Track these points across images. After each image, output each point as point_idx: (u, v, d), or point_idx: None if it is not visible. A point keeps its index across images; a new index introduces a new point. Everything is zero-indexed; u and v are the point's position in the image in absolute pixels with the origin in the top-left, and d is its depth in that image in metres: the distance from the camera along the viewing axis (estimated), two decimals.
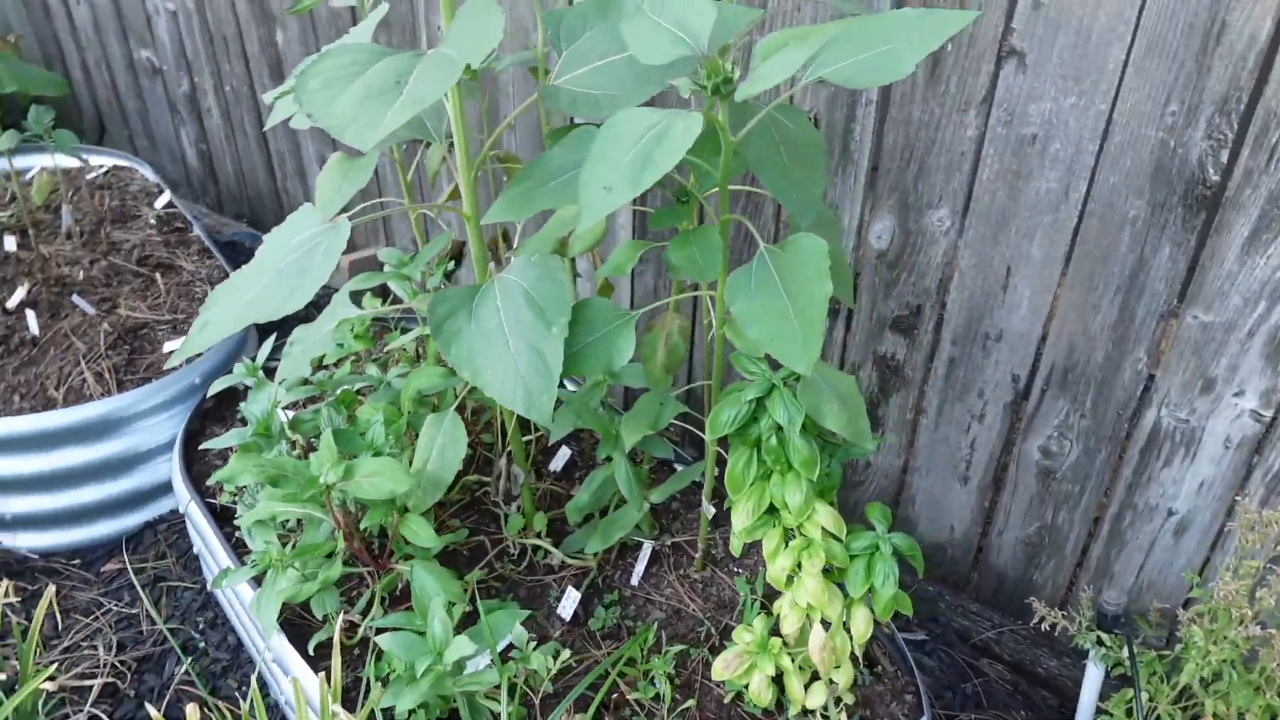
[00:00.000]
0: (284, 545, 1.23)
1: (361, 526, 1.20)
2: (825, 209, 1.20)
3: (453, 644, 1.02)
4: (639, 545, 1.48)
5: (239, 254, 2.68)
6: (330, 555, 1.18)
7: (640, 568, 1.45)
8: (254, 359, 1.50)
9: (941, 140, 1.48)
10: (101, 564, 1.76)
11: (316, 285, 1.03)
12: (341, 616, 1.24)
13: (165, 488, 1.85)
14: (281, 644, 1.25)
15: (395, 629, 1.10)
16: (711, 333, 1.14)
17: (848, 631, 1.12)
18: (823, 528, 1.07)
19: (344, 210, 1.22)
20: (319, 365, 1.65)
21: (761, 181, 0.96)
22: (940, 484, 1.72)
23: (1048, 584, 1.66)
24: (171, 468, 1.62)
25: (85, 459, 1.74)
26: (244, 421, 1.48)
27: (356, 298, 1.37)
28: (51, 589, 1.40)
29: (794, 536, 1.10)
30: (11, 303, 1.99)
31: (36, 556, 1.77)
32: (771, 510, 1.10)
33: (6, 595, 1.46)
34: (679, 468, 1.60)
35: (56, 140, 1.89)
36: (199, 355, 1.92)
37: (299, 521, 1.33)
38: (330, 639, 1.19)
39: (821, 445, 1.09)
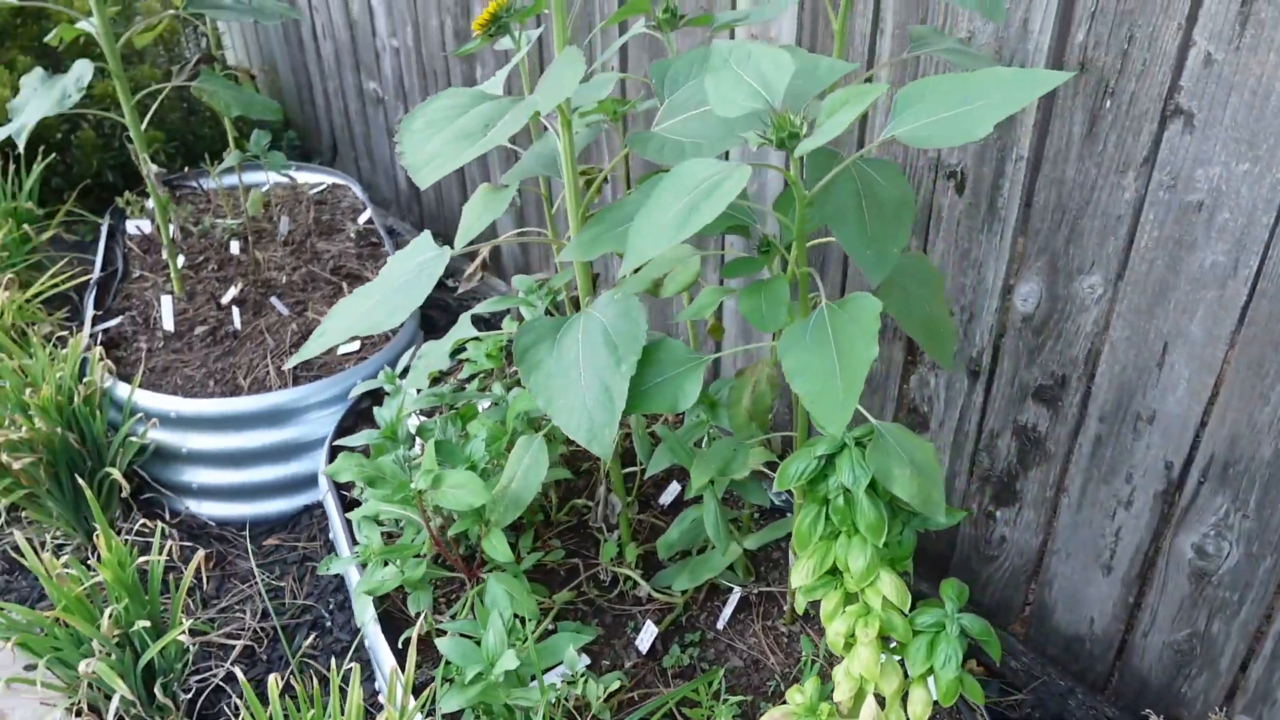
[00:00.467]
0: (388, 544, 1.33)
1: (450, 534, 1.28)
2: (929, 264, 1.15)
3: (504, 656, 1.07)
4: (729, 589, 1.47)
5: None
6: (419, 556, 1.27)
7: (727, 612, 1.44)
8: (395, 368, 1.64)
9: (1096, 202, 1.38)
10: (264, 538, 1.97)
11: (413, 306, 1.11)
12: (434, 616, 1.32)
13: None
14: (375, 633, 1.35)
15: (462, 635, 1.16)
16: None
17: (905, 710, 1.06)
18: (885, 597, 1.03)
19: (490, 237, 1.32)
20: (460, 383, 1.77)
21: (835, 236, 0.95)
22: (1080, 571, 1.58)
23: (1198, 700, 1.49)
24: (321, 458, 1.79)
25: (261, 442, 1.96)
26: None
27: (478, 321, 1.46)
28: (201, 553, 1.59)
29: (855, 601, 1.06)
30: (225, 299, 2.28)
31: (213, 524, 2.00)
32: (835, 571, 1.07)
33: (171, 557, 1.67)
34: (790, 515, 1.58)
35: (270, 160, 2.15)
36: (363, 358, 2.11)
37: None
38: (418, 634, 1.27)
39: (892, 511, 1.05)
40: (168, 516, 1.99)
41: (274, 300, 2.26)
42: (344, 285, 2.38)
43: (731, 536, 1.39)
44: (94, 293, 2.30)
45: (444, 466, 1.27)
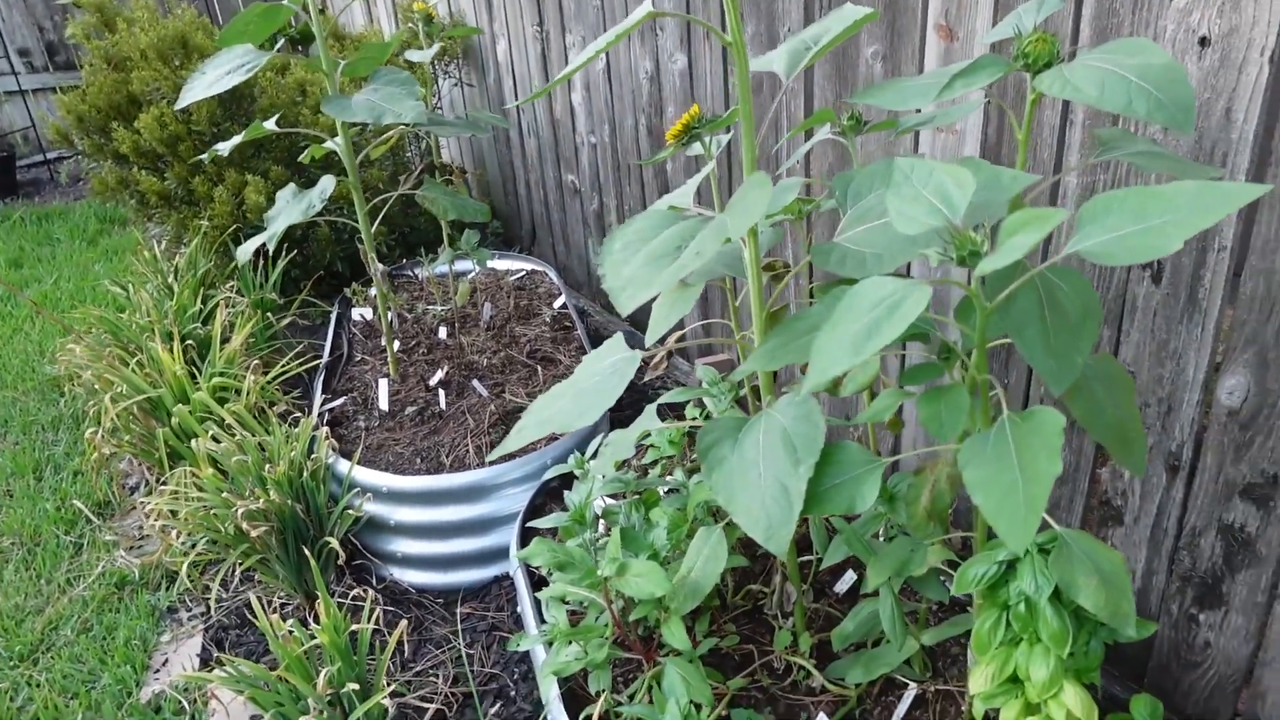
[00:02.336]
0: (573, 622, 1.41)
1: (630, 618, 1.34)
2: (1118, 366, 1.12)
3: None
4: (905, 685, 1.44)
5: None
6: (602, 639, 1.33)
7: (902, 709, 1.41)
8: (584, 452, 1.74)
9: None
10: (457, 606, 2.11)
11: (605, 407, 1.20)
12: (612, 695, 1.38)
13: (508, 550, 2.17)
14: (559, 710, 1.42)
15: (637, 718, 1.21)
16: None
17: None
18: (1069, 710, 0.99)
19: (677, 328, 1.42)
20: (644, 467, 1.85)
21: (1017, 346, 0.95)
22: None
23: None
24: (512, 533, 1.91)
25: (460, 516, 2.11)
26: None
27: (663, 411, 1.54)
28: (404, 623, 1.73)
29: (1037, 712, 1.03)
30: (432, 381, 2.49)
31: (413, 590, 2.16)
32: (1015, 679, 1.04)
33: (377, 622, 1.82)
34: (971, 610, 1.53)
35: (477, 256, 2.36)
36: (554, 438, 2.24)
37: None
38: (598, 713, 1.33)
39: (1078, 620, 1.01)
40: (374, 581, 2.17)
41: (475, 383, 2.45)
42: (538, 369, 2.55)
43: (908, 631, 1.38)
44: (322, 375, 2.58)
45: (628, 555, 1.34)
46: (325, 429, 2.21)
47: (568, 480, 2.06)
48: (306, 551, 1.90)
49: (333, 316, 2.97)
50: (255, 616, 1.70)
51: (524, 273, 3.29)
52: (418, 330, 2.80)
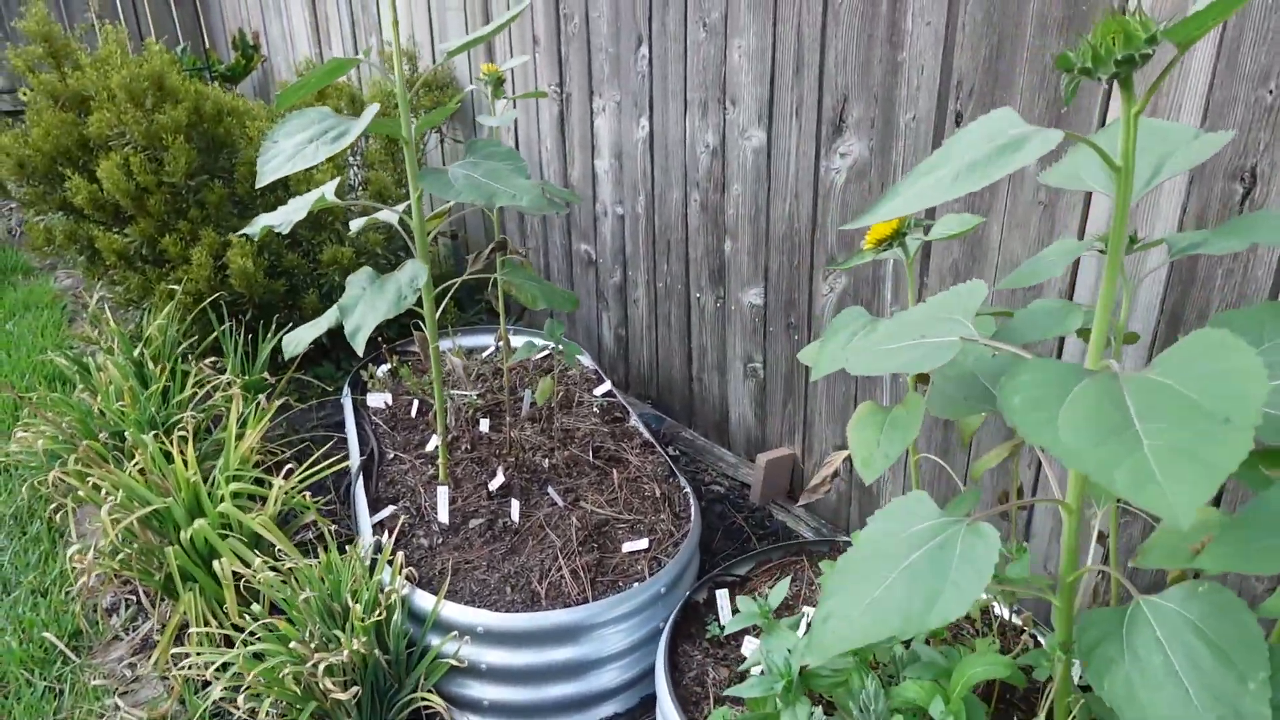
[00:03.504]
0: None
1: None
2: None
3: None
4: None
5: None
6: None
7: None
8: (766, 597, 1.50)
9: None
10: None
11: (966, 598, 0.98)
12: None
13: (606, 694, 1.88)
14: None
15: None
16: None
17: None
18: None
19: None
20: None
21: None
22: None
23: None
24: (656, 681, 1.64)
25: (557, 658, 1.82)
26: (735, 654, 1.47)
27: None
28: None
29: None
30: (493, 485, 2.18)
31: None
32: None
33: None
34: None
35: (567, 350, 2.09)
36: (655, 558, 1.98)
37: None
38: None
39: None
40: None
41: (550, 491, 2.16)
42: (612, 472, 2.28)
43: None
44: (359, 479, 2.23)
45: None
46: (399, 554, 1.86)
47: (694, 617, 1.80)
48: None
49: (347, 404, 2.60)
50: None
51: (546, 351, 3.01)
52: (454, 421, 2.48)
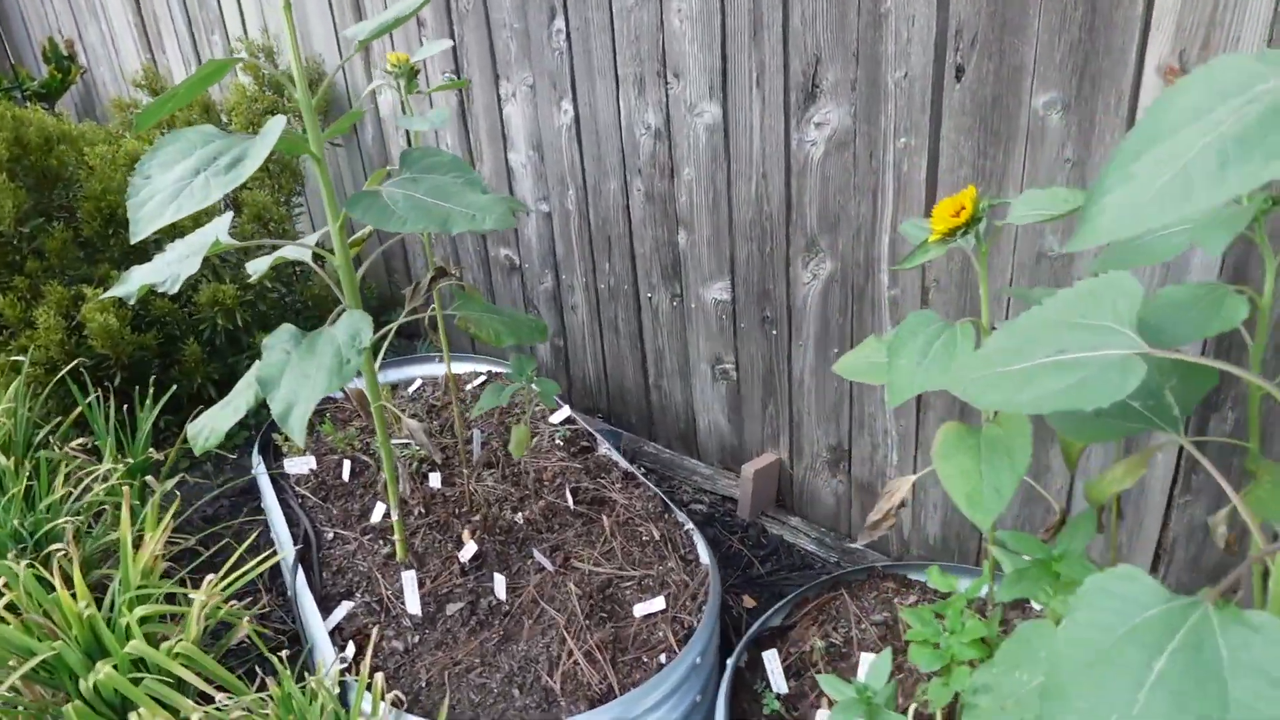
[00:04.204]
0: None
1: None
2: None
3: None
4: None
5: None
6: None
7: None
8: (862, 677, 1.23)
9: None
10: None
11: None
12: None
13: None
14: None
15: None
16: None
17: None
18: None
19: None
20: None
21: None
22: None
23: None
24: None
25: None
26: None
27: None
28: None
29: None
30: (465, 556, 1.84)
31: None
32: None
33: None
34: None
35: (543, 390, 1.74)
36: (681, 622, 1.68)
37: None
38: None
39: None
40: None
41: (535, 553, 1.82)
42: (600, 517, 1.96)
43: None
44: (299, 574, 1.83)
45: None
46: (377, 677, 1.49)
47: (754, 659, 1.52)
48: None
49: (263, 481, 2.17)
50: None
51: (482, 377, 2.65)
52: (403, 484, 2.10)
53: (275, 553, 1.87)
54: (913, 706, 1.39)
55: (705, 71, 2.07)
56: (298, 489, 2.12)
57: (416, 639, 1.68)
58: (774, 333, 2.21)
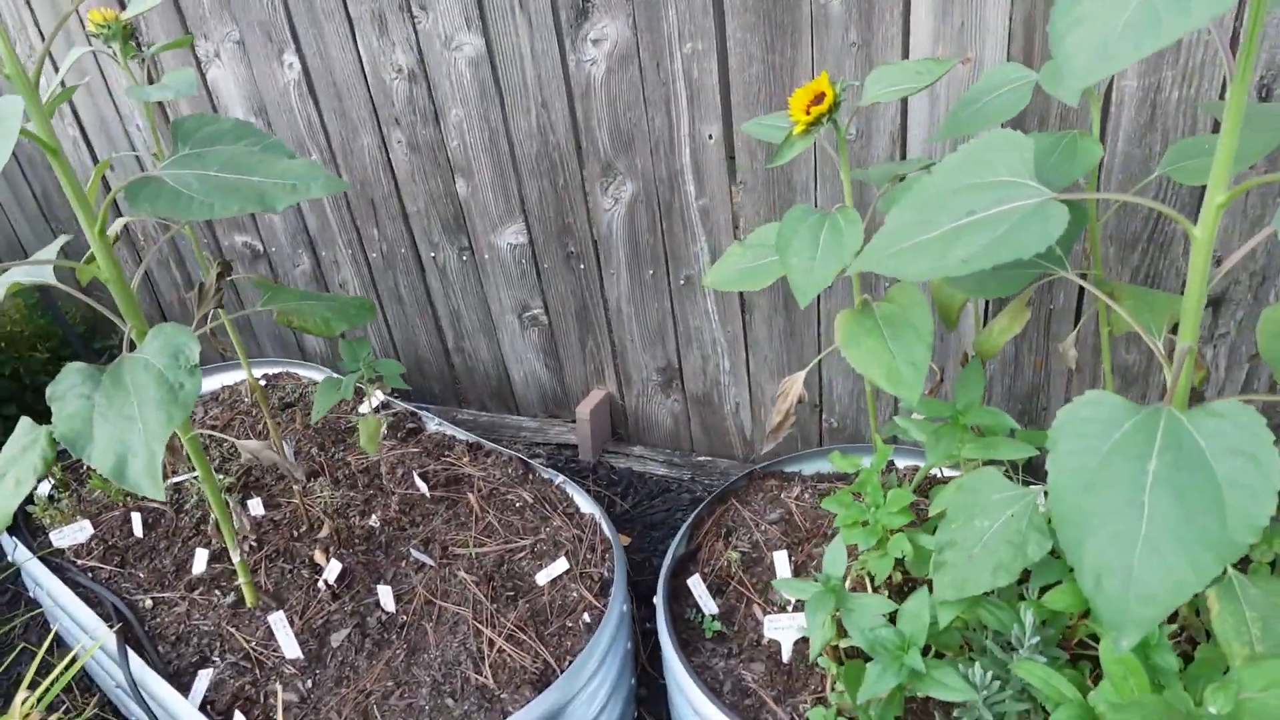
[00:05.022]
0: None
1: None
2: None
3: None
4: None
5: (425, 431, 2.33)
6: None
7: None
8: (819, 567, 1.23)
9: None
10: None
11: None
12: None
13: None
14: None
15: None
16: None
17: None
18: None
19: None
20: None
21: None
22: None
23: None
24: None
25: None
26: None
27: None
28: None
29: None
30: (330, 577, 1.62)
31: None
32: None
33: None
34: None
35: (386, 372, 1.54)
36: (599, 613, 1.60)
37: None
38: None
39: None
40: None
41: (412, 551, 1.64)
42: (463, 495, 1.80)
43: None
44: (127, 657, 1.51)
45: None
46: None
47: (677, 590, 1.49)
48: None
49: (36, 569, 1.74)
50: None
51: (263, 380, 2.33)
52: (201, 518, 1.80)
53: (83, 646, 1.53)
54: (848, 584, 1.43)
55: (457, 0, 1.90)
56: (80, 562, 1.75)
57: (309, 683, 1.46)
58: (581, 267, 2.13)
